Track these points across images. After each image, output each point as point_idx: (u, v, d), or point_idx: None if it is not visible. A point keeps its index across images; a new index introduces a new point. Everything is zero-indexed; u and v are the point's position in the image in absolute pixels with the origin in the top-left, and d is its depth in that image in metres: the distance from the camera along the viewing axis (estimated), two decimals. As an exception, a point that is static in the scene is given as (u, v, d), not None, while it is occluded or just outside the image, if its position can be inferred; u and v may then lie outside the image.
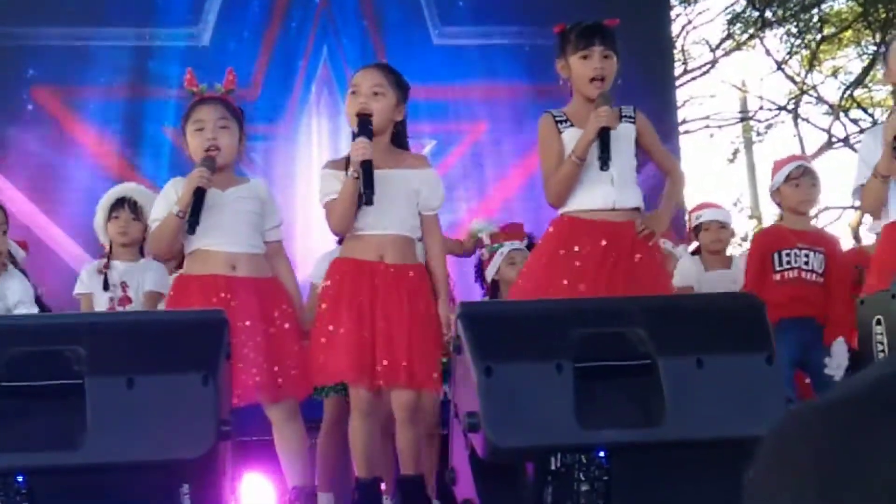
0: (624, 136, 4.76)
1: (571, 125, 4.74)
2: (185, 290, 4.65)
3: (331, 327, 4.56)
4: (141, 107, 8.33)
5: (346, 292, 4.59)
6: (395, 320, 4.52)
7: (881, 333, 3.50)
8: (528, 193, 8.12)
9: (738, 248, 12.88)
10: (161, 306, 5.64)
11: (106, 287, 5.78)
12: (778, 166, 6.51)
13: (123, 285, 5.82)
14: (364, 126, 4.59)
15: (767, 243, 6.30)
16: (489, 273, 6.49)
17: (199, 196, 4.57)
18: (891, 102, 16.61)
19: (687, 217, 7.24)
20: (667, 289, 4.88)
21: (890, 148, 4.50)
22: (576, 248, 4.62)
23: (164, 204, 4.71)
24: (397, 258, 4.66)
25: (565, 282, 4.56)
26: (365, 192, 4.48)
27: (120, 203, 5.94)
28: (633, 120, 4.81)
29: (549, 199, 4.76)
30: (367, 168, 4.50)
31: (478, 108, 8.66)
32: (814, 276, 6.09)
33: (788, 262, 6.14)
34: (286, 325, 4.69)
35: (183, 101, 5.15)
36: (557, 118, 4.81)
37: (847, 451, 0.76)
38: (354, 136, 4.61)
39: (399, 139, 4.85)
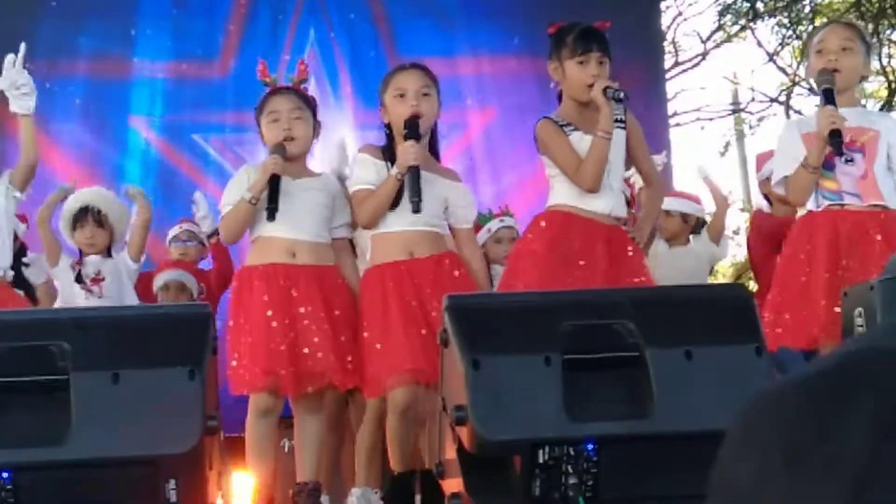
0: (617, 144, 4.75)
1: (575, 129, 4.73)
2: (249, 283, 4.67)
3: (384, 331, 4.56)
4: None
5: (391, 295, 4.58)
6: (433, 312, 4.47)
7: (861, 325, 3.51)
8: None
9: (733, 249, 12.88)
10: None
11: (79, 280, 5.77)
12: (761, 159, 6.53)
13: (97, 274, 5.83)
14: (415, 128, 4.60)
15: (775, 225, 6.34)
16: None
17: (274, 183, 4.61)
18: (883, 93, 16.63)
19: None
20: (647, 273, 4.91)
21: (826, 142, 4.50)
22: (575, 245, 4.63)
23: (235, 189, 4.75)
24: (429, 251, 4.67)
25: (561, 273, 4.57)
26: (412, 201, 4.52)
27: (83, 212, 5.91)
28: (623, 125, 4.79)
29: (588, 183, 4.68)
30: (415, 174, 4.51)
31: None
32: None
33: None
34: (344, 318, 4.69)
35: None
36: (559, 122, 4.81)
37: (813, 423, 0.77)
38: (406, 136, 4.63)
39: (434, 144, 4.87)
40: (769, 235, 6.33)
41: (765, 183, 6.43)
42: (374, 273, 4.72)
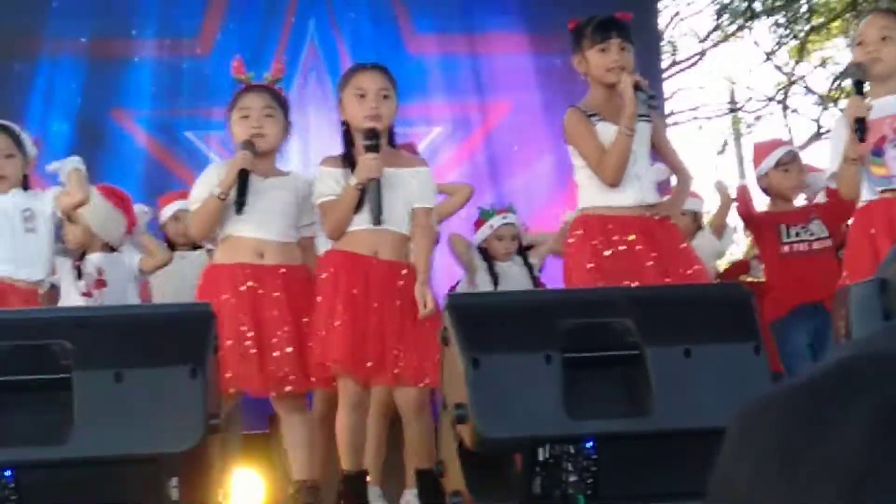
0: (642, 134, 4.80)
1: (601, 119, 4.76)
2: (215, 281, 4.67)
3: (327, 320, 4.56)
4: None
5: (341, 284, 4.59)
6: (387, 318, 4.53)
7: (843, 328, 3.51)
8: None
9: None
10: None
11: (80, 277, 5.77)
12: (764, 151, 6.54)
13: (99, 271, 5.82)
14: (375, 140, 4.61)
15: (773, 214, 6.38)
16: (477, 238, 6.54)
17: (243, 178, 4.61)
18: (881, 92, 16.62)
19: None
20: (692, 255, 4.93)
21: (852, 130, 4.53)
22: (617, 241, 4.65)
23: (204, 186, 4.74)
24: (391, 254, 4.66)
25: (619, 278, 4.58)
26: (373, 213, 4.54)
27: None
28: (649, 119, 4.86)
29: (610, 178, 4.71)
30: (375, 187, 4.54)
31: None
32: (821, 243, 6.14)
33: (797, 235, 6.18)
34: (305, 319, 4.69)
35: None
36: (587, 112, 4.84)
37: (810, 426, 0.78)
38: (367, 147, 4.62)
39: (392, 138, 4.88)
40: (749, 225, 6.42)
41: (763, 177, 6.44)
42: (338, 257, 4.71)
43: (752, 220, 6.78)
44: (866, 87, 4.75)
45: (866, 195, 4.67)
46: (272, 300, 4.56)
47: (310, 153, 8.08)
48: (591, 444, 3.24)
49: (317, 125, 8.13)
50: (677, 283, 4.54)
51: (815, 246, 6.17)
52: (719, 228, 7.19)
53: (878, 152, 4.62)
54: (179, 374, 3.18)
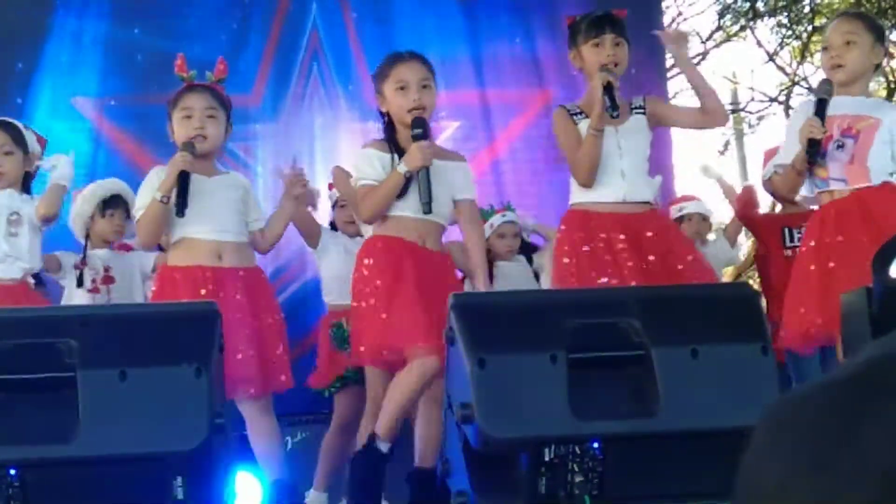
0: (635, 129, 4.83)
1: (586, 116, 4.77)
2: (172, 283, 4.63)
3: (395, 303, 4.49)
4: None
5: (398, 267, 4.53)
6: (438, 305, 4.42)
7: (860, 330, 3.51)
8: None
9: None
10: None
11: (80, 284, 5.74)
12: (769, 155, 6.54)
13: (106, 268, 5.80)
14: (424, 127, 4.62)
15: (778, 217, 6.38)
16: None
17: (184, 179, 4.56)
18: (882, 93, 16.62)
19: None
20: (682, 240, 4.93)
21: (803, 150, 4.55)
22: (601, 237, 4.64)
23: (147, 192, 4.71)
24: (435, 244, 4.68)
25: (593, 274, 4.58)
26: (423, 202, 4.52)
27: (115, 201, 5.90)
28: (643, 111, 4.86)
29: (579, 178, 4.77)
30: (425, 175, 4.53)
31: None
32: None
33: (800, 239, 6.19)
34: (269, 320, 4.70)
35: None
36: (571, 111, 4.89)
37: (840, 428, 0.78)
38: (418, 136, 4.62)
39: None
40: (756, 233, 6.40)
41: (767, 182, 6.45)
42: (387, 242, 4.66)
43: (753, 223, 6.79)
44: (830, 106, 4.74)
45: (805, 191, 4.79)
46: (234, 303, 4.51)
47: (315, 144, 8.08)
48: (596, 444, 3.23)
49: (321, 121, 8.13)
50: (664, 280, 4.54)
51: None
52: (734, 236, 7.21)
53: (822, 154, 4.65)
54: (184, 372, 3.17)
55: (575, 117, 4.84)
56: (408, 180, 4.57)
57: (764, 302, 5.64)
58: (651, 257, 4.63)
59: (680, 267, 4.65)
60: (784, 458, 0.80)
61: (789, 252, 6.23)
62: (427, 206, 4.52)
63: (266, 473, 4.70)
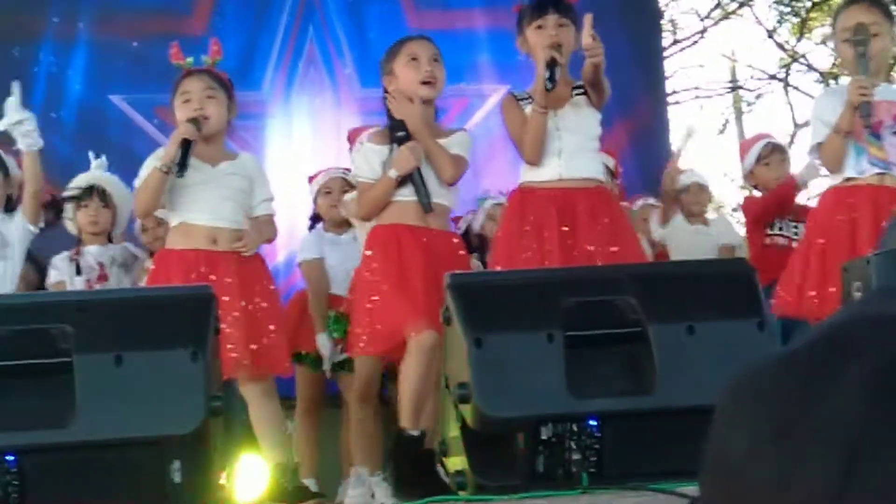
0: (575, 109, 4.81)
1: (532, 101, 4.77)
2: (166, 265, 4.65)
3: (384, 287, 4.52)
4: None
5: (392, 258, 4.56)
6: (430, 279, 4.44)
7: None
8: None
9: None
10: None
11: (79, 272, 5.74)
12: (745, 148, 6.59)
13: (101, 265, 5.79)
14: (406, 132, 4.64)
15: (761, 204, 6.32)
16: (475, 226, 6.53)
17: (186, 147, 4.56)
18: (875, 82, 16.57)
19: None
20: (638, 252, 4.90)
21: (852, 109, 4.49)
22: (531, 219, 4.65)
23: (148, 170, 4.70)
24: (439, 225, 4.70)
25: (528, 254, 4.59)
26: (422, 203, 4.54)
27: (88, 192, 5.89)
28: (583, 91, 4.83)
29: (526, 155, 4.79)
30: (419, 176, 4.55)
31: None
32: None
33: (781, 230, 6.17)
34: (264, 304, 4.69)
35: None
36: (519, 97, 4.89)
37: (802, 393, 0.77)
38: (402, 138, 4.65)
39: (435, 112, 4.90)
40: (760, 216, 6.32)
41: (749, 175, 6.44)
42: (389, 231, 4.68)
43: (753, 205, 6.69)
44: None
45: (850, 172, 4.64)
46: (223, 286, 4.51)
47: (316, 132, 8.09)
48: (594, 422, 3.23)
49: (319, 114, 8.14)
50: (598, 259, 4.55)
51: (794, 245, 6.14)
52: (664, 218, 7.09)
53: (876, 135, 4.60)
54: (180, 356, 3.17)
55: (522, 102, 4.84)
56: (399, 181, 4.60)
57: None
58: (587, 241, 4.62)
59: (613, 249, 4.63)
60: (747, 429, 0.79)
61: (767, 240, 6.20)
62: (427, 206, 4.56)
63: (267, 457, 4.70)
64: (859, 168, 4.61)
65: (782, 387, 0.79)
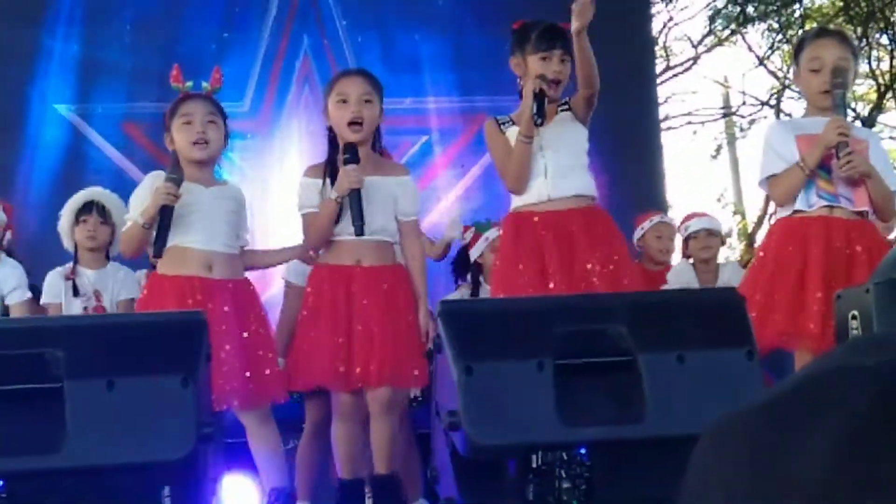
0: (560, 126, 4.84)
1: (514, 124, 4.80)
2: (160, 291, 4.63)
3: (311, 334, 4.60)
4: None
5: (324, 298, 4.63)
6: (373, 322, 4.55)
7: (856, 328, 3.52)
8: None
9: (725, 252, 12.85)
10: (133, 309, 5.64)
11: (76, 293, 5.74)
12: None
13: (97, 294, 5.79)
14: (353, 153, 4.64)
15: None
16: (473, 254, 6.52)
17: (164, 214, 4.55)
18: (873, 96, 16.64)
19: (677, 229, 7.18)
20: (632, 268, 4.93)
21: (824, 148, 4.52)
22: (527, 244, 4.68)
23: (138, 203, 4.70)
24: (374, 261, 4.69)
25: (525, 279, 4.61)
26: (355, 224, 4.57)
27: (88, 207, 5.89)
28: (567, 107, 4.88)
29: (509, 185, 4.85)
30: (356, 198, 4.56)
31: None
32: None
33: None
34: (261, 331, 4.71)
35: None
36: (501, 122, 4.93)
37: (777, 444, 0.78)
38: (346, 160, 4.66)
39: (377, 143, 4.91)
40: None
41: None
42: (322, 272, 4.79)
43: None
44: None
45: (800, 205, 4.66)
46: (220, 315, 4.53)
47: (309, 159, 8.10)
48: (584, 450, 3.24)
49: (311, 138, 8.14)
50: (596, 278, 4.59)
51: None
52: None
53: (825, 168, 4.63)
54: (171, 382, 3.17)
55: (503, 126, 4.88)
56: (342, 205, 4.63)
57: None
58: (586, 260, 4.65)
59: (610, 268, 4.65)
60: (724, 479, 0.81)
61: None
62: (359, 229, 4.58)
63: (264, 481, 4.71)
64: (809, 201, 4.64)
65: (759, 437, 0.80)
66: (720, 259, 7.15)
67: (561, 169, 4.79)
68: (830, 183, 4.63)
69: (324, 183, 4.75)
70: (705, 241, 6.86)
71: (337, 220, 4.67)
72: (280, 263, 5.32)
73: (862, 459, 0.73)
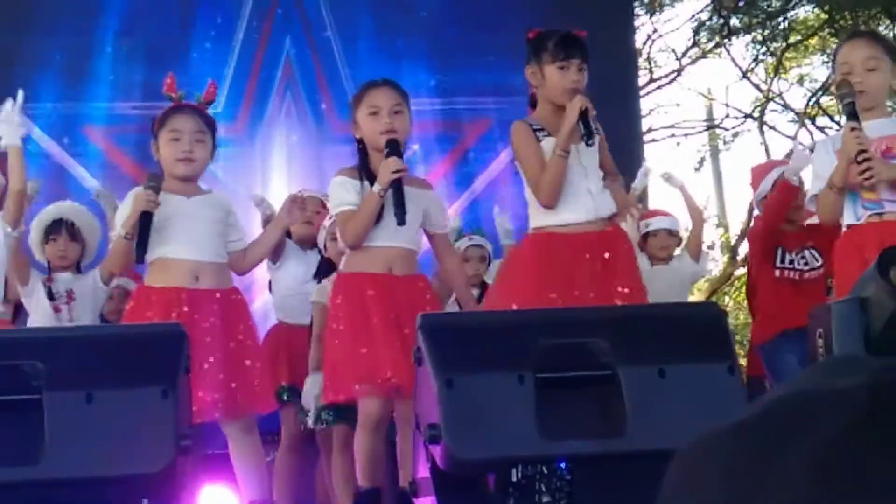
0: (593, 151, 4.78)
1: (548, 134, 4.75)
2: (147, 303, 4.61)
3: (337, 342, 4.58)
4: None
5: (359, 306, 4.59)
6: (408, 329, 4.50)
7: (821, 347, 3.51)
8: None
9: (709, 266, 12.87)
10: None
11: (51, 297, 5.72)
12: (760, 174, 6.47)
13: (69, 293, 5.78)
14: (395, 146, 4.63)
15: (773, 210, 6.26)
16: None
17: (144, 221, 4.54)
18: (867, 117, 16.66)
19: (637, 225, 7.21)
20: (643, 293, 4.91)
21: (847, 163, 4.51)
22: (562, 263, 4.63)
23: (124, 214, 4.69)
24: (405, 270, 4.68)
25: (554, 295, 4.56)
26: (397, 213, 4.53)
27: (56, 225, 5.87)
28: (598, 131, 4.82)
29: (544, 199, 4.71)
30: (399, 188, 4.54)
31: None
32: (814, 272, 6.12)
33: (791, 262, 6.16)
34: (248, 342, 4.69)
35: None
36: (534, 126, 4.82)
37: (750, 470, 0.78)
38: (387, 154, 4.64)
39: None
40: (765, 232, 6.28)
41: (762, 201, 6.37)
42: (353, 280, 4.72)
43: (755, 236, 6.65)
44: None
45: (850, 219, 4.65)
46: (206, 326, 4.52)
47: (293, 167, 8.10)
48: (564, 464, 3.24)
49: (297, 142, 8.14)
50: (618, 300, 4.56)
51: (806, 276, 6.16)
52: (696, 250, 7.17)
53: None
54: (151, 394, 3.16)
55: (538, 133, 4.79)
56: (383, 206, 4.61)
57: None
58: (619, 283, 4.63)
59: (625, 290, 4.64)
60: (698, 499, 0.80)
61: (778, 273, 6.20)
62: (401, 217, 4.55)
63: (244, 493, 4.69)
64: (857, 214, 4.62)
65: (732, 463, 0.80)
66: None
67: (601, 189, 4.79)
68: (872, 190, 4.61)
69: (361, 184, 4.72)
70: (665, 240, 6.92)
71: (377, 220, 4.65)
72: (270, 248, 5.24)
73: (835, 484, 0.73)
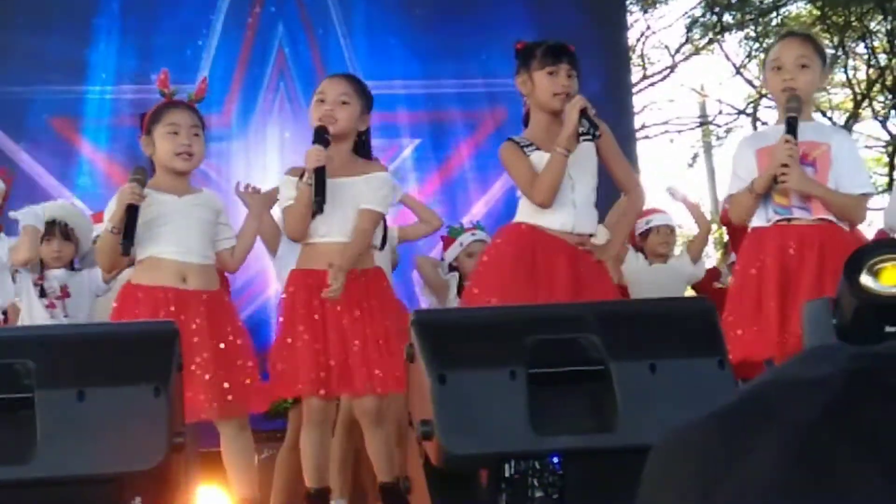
0: (584, 157, 4.78)
1: (536, 149, 4.76)
2: (133, 301, 4.62)
3: (288, 340, 4.59)
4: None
5: (298, 303, 4.62)
6: (348, 326, 4.54)
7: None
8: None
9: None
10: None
11: (43, 294, 5.73)
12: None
13: (63, 288, 5.79)
14: (320, 135, 4.64)
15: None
16: (448, 256, 6.53)
17: (131, 214, 4.53)
18: (849, 105, 16.71)
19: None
20: (611, 290, 4.93)
21: (771, 175, 4.54)
22: (541, 258, 4.65)
23: (112, 211, 4.70)
24: (357, 264, 4.68)
25: (529, 288, 4.58)
26: (315, 200, 4.53)
27: (51, 226, 5.88)
28: (590, 137, 4.80)
29: (539, 197, 4.73)
30: (319, 175, 4.54)
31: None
32: None
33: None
34: (238, 341, 4.69)
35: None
36: (521, 143, 4.84)
37: (724, 454, 0.79)
38: (313, 142, 4.67)
39: (362, 149, 4.89)
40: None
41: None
42: (296, 277, 4.79)
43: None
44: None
45: (759, 221, 4.70)
46: (194, 327, 4.53)
47: (286, 163, 8.09)
48: (556, 459, 3.24)
49: (291, 134, 8.14)
50: None
51: None
52: (697, 254, 7.20)
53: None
54: (143, 392, 3.16)
55: (525, 149, 4.82)
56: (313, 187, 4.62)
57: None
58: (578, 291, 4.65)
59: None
60: (675, 490, 0.81)
61: None
62: (318, 205, 4.57)
63: (235, 492, 4.69)
64: (766, 216, 4.66)
65: (706, 448, 0.81)
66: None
67: (586, 203, 4.80)
68: (785, 195, 4.64)
69: (301, 178, 4.75)
70: (667, 236, 6.94)
71: (313, 215, 4.66)
72: (253, 239, 5.23)
73: (810, 470, 0.74)
